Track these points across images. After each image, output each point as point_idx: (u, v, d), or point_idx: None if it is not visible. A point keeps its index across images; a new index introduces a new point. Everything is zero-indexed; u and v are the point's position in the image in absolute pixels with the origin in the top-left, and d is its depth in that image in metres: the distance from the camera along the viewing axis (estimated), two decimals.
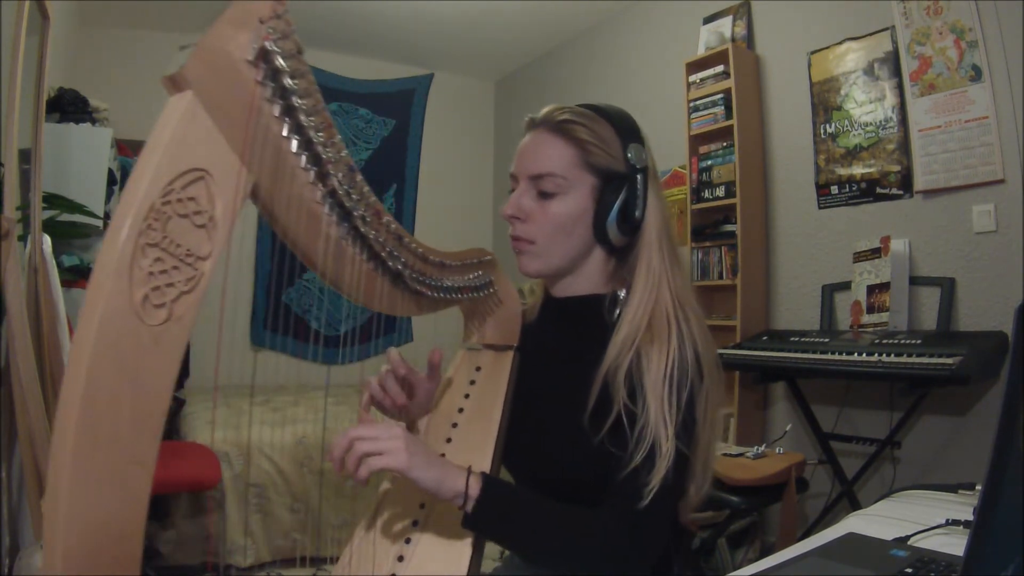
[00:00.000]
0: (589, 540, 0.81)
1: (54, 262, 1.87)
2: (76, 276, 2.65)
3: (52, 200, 2.22)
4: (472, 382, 1.02)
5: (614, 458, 0.83)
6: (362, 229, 0.75)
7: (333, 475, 0.73)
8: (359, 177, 0.72)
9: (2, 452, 1.52)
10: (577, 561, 0.81)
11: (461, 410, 0.98)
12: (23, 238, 1.76)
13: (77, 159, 2.73)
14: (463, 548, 0.82)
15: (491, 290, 0.99)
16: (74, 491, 0.50)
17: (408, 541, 0.84)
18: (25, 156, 1.80)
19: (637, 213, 0.91)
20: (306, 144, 0.67)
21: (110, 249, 0.52)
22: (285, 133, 0.65)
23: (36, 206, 1.76)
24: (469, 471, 0.77)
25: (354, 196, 0.72)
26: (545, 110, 0.94)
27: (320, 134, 0.67)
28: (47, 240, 1.81)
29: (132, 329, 0.53)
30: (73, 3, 3.55)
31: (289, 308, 4.35)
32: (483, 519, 0.77)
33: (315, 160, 0.68)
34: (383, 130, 4.76)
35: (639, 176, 0.91)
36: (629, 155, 0.91)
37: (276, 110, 0.63)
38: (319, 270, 0.73)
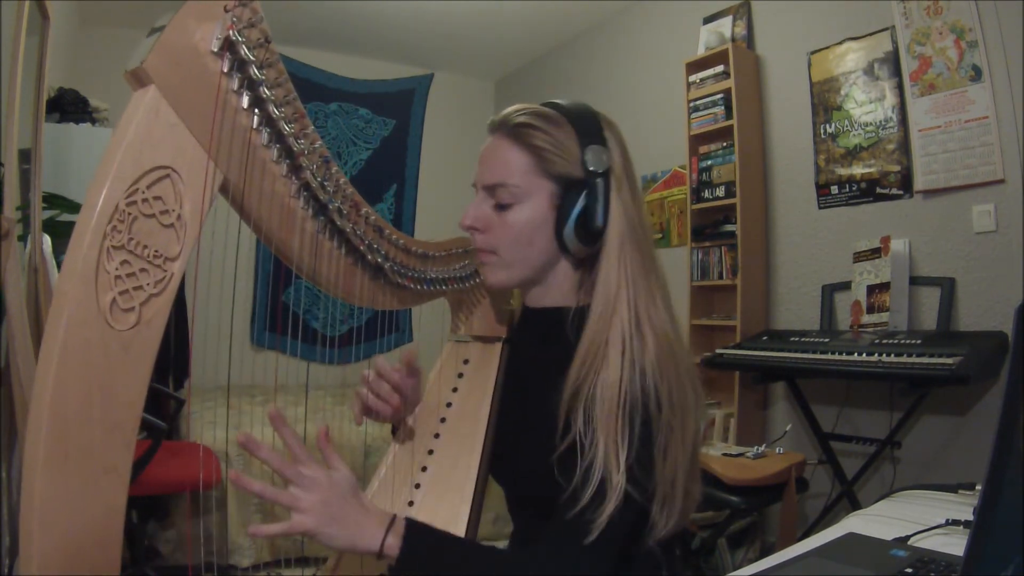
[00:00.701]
0: None
1: (54, 262, 1.87)
2: None
3: (52, 200, 2.22)
4: (460, 375, 1.00)
5: (562, 489, 0.77)
6: (339, 222, 0.73)
7: (333, 475, 0.73)
8: (335, 168, 0.70)
9: (2, 452, 1.52)
10: None
11: (449, 404, 0.96)
12: (23, 238, 1.76)
13: (77, 159, 2.73)
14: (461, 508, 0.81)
15: (477, 280, 0.98)
16: (47, 500, 0.49)
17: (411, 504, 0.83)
18: (25, 156, 1.80)
19: (598, 221, 0.84)
20: (277, 136, 0.65)
21: (74, 253, 0.51)
22: (255, 125, 0.63)
23: (36, 206, 1.76)
24: (388, 526, 0.72)
25: (329, 188, 0.70)
26: (505, 111, 0.89)
27: (291, 125, 0.65)
28: (47, 240, 1.81)
29: (100, 335, 0.51)
30: (73, 3, 3.55)
31: (289, 308, 4.35)
32: (406, 574, 0.73)
33: (287, 153, 0.66)
34: (383, 130, 4.76)
35: (599, 180, 0.84)
36: (587, 158, 0.84)
37: (244, 102, 0.61)
38: (295, 265, 0.71)
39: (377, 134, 4.74)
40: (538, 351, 0.93)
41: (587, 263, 0.88)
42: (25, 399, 1.42)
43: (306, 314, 4.45)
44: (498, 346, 1.01)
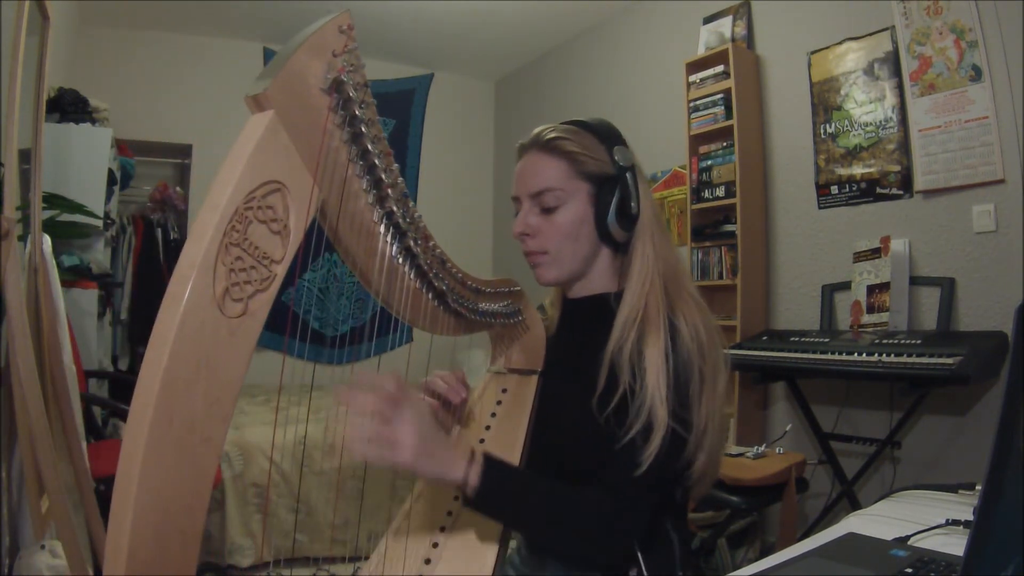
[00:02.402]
0: (586, 516, 0.85)
1: (54, 262, 1.87)
2: (76, 276, 2.66)
3: (52, 200, 2.22)
4: (498, 403, 1.07)
5: (614, 434, 0.88)
6: (414, 249, 0.80)
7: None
8: (411, 203, 0.78)
9: (2, 452, 1.52)
10: (576, 535, 0.86)
11: (488, 428, 1.03)
12: (23, 238, 1.76)
13: (77, 159, 2.73)
14: (489, 552, 0.85)
15: (520, 318, 1.06)
16: (150, 458, 0.53)
17: (436, 545, 0.87)
18: (25, 156, 1.80)
19: (633, 206, 0.97)
20: (369, 168, 0.72)
21: (197, 244, 0.56)
22: (351, 157, 0.71)
23: (36, 206, 1.76)
24: (470, 460, 0.80)
25: (407, 220, 0.78)
26: (533, 133, 1.01)
27: (381, 160, 0.72)
28: (47, 240, 1.81)
29: (212, 319, 0.57)
30: (73, 3, 3.55)
31: (289, 308, 4.35)
32: (483, 505, 0.82)
33: (375, 184, 0.74)
34: (383, 130, 4.77)
35: (629, 174, 0.98)
36: (616, 157, 0.98)
37: (344, 136, 0.69)
38: (373, 287, 0.79)
39: None
40: (584, 334, 1.03)
41: (621, 250, 1.00)
42: (25, 399, 1.42)
43: (306, 314, 4.45)
44: (534, 379, 1.08)
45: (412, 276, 0.83)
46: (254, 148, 0.59)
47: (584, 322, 1.04)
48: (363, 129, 0.69)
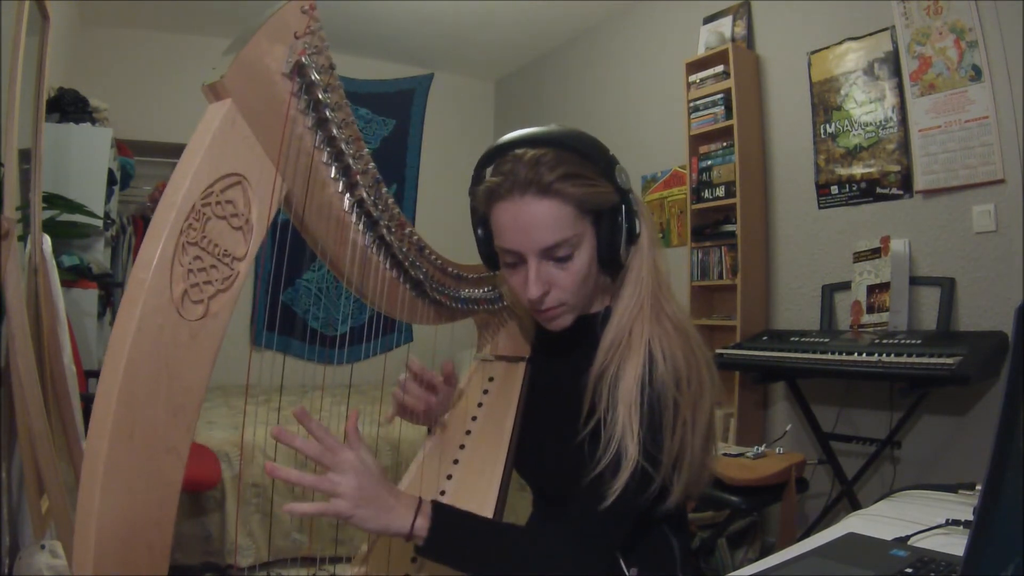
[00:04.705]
0: (544, 557, 0.81)
1: (54, 262, 1.87)
2: (76, 276, 2.65)
3: (52, 200, 2.22)
4: (485, 391, 1.05)
5: (585, 464, 0.84)
6: (387, 238, 0.77)
7: (365, 460, 0.74)
8: (384, 189, 0.75)
9: (2, 452, 1.52)
10: (538, 574, 0.81)
11: (474, 418, 1.01)
12: (23, 238, 1.76)
13: (77, 159, 2.73)
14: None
15: (503, 303, 1.03)
16: (111, 471, 0.51)
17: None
18: (25, 156, 1.80)
19: (637, 228, 0.92)
20: (336, 155, 0.69)
21: (152, 245, 0.54)
22: (317, 144, 0.67)
23: (36, 206, 1.76)
24: (417, 510, 0.76)
25: (380, 207, 0.75)
26: (523, 170, 0.85)
27: (349, 147, 0.69)
28: (47, 240, 1.81)
29: (171, 323, 0.55)
30: (73, 3, 3.55)
31: (289, 308, 4.35)
32: (434, 555, 0.79)
33: (344, 171, 0.70)
34: (383, 130, 4.76)
35: (630, 195, 0.92)
36: (618, 181, 0.90)
37: (309, 122, 0.66)
38: (345, 278, 0.76)
39: (377, 134, 4.74)
40: (569, 354, 0.99)
41: (612, 269, 0.93)
42: (25, 399, 1.42)
43: (306, 314, 4.44)
44: (521, 365, 1.06)
45: (387, 266, 0.80)
46: (211, 140, 0.56)
47: (568, 342, 0.98)
48: (328, 114, 0.66)
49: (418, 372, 0.97)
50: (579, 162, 0.87)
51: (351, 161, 0.70)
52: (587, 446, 0.85)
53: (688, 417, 0.85)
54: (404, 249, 0.80)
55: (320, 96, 0.64)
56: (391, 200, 0.76)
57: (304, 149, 0.66)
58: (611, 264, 0.91)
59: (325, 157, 0.68)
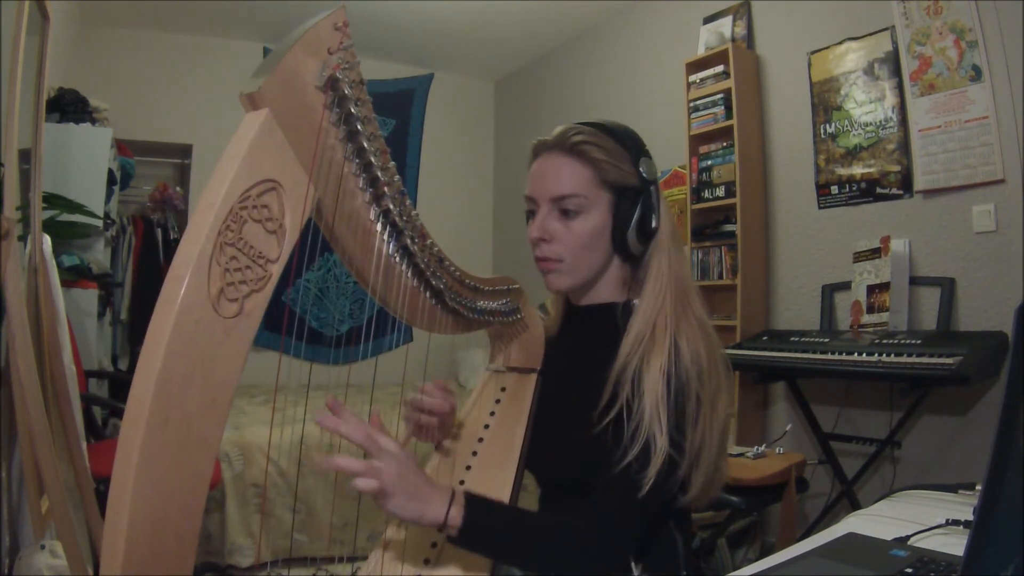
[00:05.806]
0: (574, 546, 0.83)
1: (54, 262, 1.87)
2: (76, 276, 2.66)
3: (52, 200, 2.22)
4: (497, 401, 1.07)
5: (609, 452, 0.86)
6: (411, 248, 0.79)
7: (333, 475, 0.74)
8: (408, 201, 0.77)
9: (2, 452, 1.52)
10: (566, 566, 0.84)
11: (487, 427, 1.03)
12: (23, 238, 1.76)
13: (77, 159, 2.73)
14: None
15: (519, 316, 1.05)
16: (146, 458, 0.53)
17: (435, 545, 0.87)
18: (25, 156, 1.80)
19: (653, 223, 0.95)
20: (365, 166, 0.72)
21: (191, 244, 0.56)
22: (347, 155, 0.70)
23: (36, 206, 1.76)
24: (451, 500, 0.78)
25: (404, 218, 0.77)
26: (556, 132, 0.97)
27: (377, 159, 0.72)
28: (47, 240, 1.81)
29: (207, 319, 0.56)
30: (73, 3, 3.55)
31: (289, 308, 4.35)
32: (467, 544, 0.80)
33: (372, 182, 0.73)
34: (383, 130, 4.65)
35: (652, 188, 0.96)
36: (642, 170, 0.95)
37: (340, 133, 0.69)
38: (370, 286, 0.78)
39: None
40: (587, 342, 1.02)
41: (632, 261, 0.98)
42: (25, 399, 1.42)
43: (305, 314, 4.44)
44: (533, 377, 1.07)
45: (409, 275, 0.82)
46: (249, 147, 0.59)
47: (588, 330, 1.03)
48: (359, 127, 0.69)
49: (424, 403, 0.98)
50: (609, 140, 0.95)
51: (379, 173, 0.72)
52: (610, 436, 0.87)
53: (707, 412, 0.88)
54: (426, 259, 0.82)
55: (352, 109, 0.67)
56: (415, 212, 0.78)
57: (335, 159, 0.69)
58: (623, 248, 0.95)
59: (354, 168, 0.71)
